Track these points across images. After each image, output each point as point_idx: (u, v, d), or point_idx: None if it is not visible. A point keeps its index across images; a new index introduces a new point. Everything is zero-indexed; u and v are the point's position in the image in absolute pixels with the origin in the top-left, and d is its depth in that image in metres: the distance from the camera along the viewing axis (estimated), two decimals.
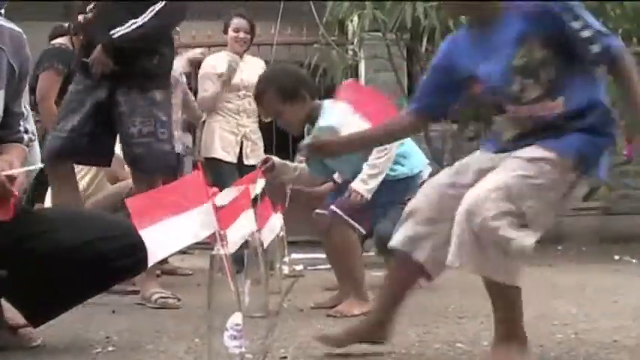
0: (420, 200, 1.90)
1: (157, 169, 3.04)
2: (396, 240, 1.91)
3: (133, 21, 2.95)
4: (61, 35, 4.33)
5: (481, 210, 1.62)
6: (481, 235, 1.63)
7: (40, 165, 2.53)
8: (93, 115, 2.99)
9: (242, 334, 1.61)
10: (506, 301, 1.75)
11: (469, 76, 1.88)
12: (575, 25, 1.72)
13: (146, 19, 2.96)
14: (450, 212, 1.74)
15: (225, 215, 2.22)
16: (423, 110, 2.01)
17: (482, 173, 1.79)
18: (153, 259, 1.74)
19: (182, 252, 4.44)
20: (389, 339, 1.97)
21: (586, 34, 1.72)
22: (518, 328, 1.77)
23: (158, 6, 2.98)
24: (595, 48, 1.72)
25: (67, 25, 4.36)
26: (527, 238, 1.66)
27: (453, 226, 1.69)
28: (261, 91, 2.85)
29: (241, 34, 4.62)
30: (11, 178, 1.86)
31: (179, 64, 4.45)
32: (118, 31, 2.95)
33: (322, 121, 2.44)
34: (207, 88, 4.58)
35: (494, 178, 1.69)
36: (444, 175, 1.92)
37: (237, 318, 1.60)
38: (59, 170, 3.03)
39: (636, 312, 2.63)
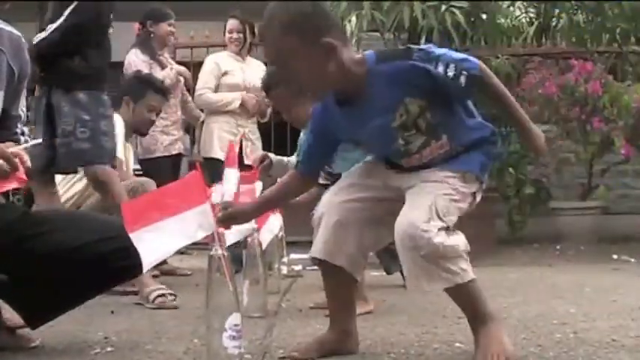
0: (326, 206, 1.96)
1: (84, 166, 3.10)
2: (315, 250, 1.95)
3: (51, 25, 3.00)
4: None
5: (421, 233, 1.73)
6: (430, 254, 1.74)
7: (39, 140, 2.55)
8: (43, 125, 3.07)
9: (241, 335, 1.61)
10: (469, 296, 1.85)
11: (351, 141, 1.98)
12: (440, 69, 1.76)
13: (60, 22, 2.99)
14: (354, 213, 1.91)
15: None
16: (311, 173, 2.07)
17: (389, 188, 1.94)
18: (147, 262, 1.72)
19: (180, 252, 4.44)
20: (357, 348, 2.00)
21: (451, 72, 1.76)
22: (487, 311, 1.87)
23: (70, 7, 2.99)
24: (462, 80, 1.77)
25: None
26: (461, 238, 1.80)
27: (400, 252, 1.78)
28: (272, 84, 2.81)
29: (234, 35, 4.70)
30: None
31: (166, 75, 4.45)
32: (39, 37, 3.02)
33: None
34: (209, 85, 4.61)
35: (421, 201, 1.80)
36: (347, 181, 2.01)
37: (235, 318, 1.61)
38: (39, 182, 3.09)
39: (635, 311, 2.63)
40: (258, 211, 2.13)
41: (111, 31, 3.30)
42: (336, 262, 1.92)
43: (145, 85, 3.85)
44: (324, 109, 1.94)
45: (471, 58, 1.82)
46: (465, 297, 1.85)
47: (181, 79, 4.73)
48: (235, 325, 1.60)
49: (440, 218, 1.77)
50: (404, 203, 1.85)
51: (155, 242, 1.71)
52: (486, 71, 1.81)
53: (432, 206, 1.77)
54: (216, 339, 1.60)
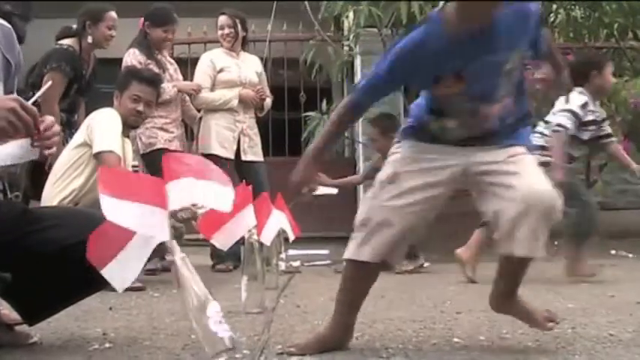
0: (377, 211, 1.95)
1: None
2: (367, 254, 1.93)
3: None
4: (69, 36, 4.29)
5: (556, 202, 1.84)
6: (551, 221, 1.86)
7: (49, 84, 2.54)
8: None
9: (224, 319, 1.60)
10: (523, 265, 2.00)
11: (441, 76, 1.88)
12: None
13: None
14: (405, 217, 1.92)
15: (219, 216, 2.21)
16: (365, 107, 2.06)
17: (451, 171, 1.95)
18: (122, 287, 1.71)
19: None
20: (348, 345, 2.00)
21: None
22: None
23: None
24: (542, 44, 1.94)
25: (74, 26, 4.32)
26: None
27: (533, 217, 1.82)
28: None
29: (226, 30, 4.74)
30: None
31: (167, 90, 4.42)
32: None
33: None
34: (206, 84, 4.61)
35: (537, 172, 1.91)
36: (404, 185, 1.97)
37: (214, 306, 1.59)
38: None
39: (633, 306, 2.63)
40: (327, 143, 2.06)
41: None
42: (391, 262, 2.00)
43: (129, 76, 3.83)
44: (423, 45, 1.83)
45: None
46: (526, 267, 2.00)
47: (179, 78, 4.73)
48: (217, 312, 1.59)
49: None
50: (454, 195, 1.99)
51: (124, 270, 1.70)
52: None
53: (545, 176, 1.88)
54: (206, 330, 1.59)
